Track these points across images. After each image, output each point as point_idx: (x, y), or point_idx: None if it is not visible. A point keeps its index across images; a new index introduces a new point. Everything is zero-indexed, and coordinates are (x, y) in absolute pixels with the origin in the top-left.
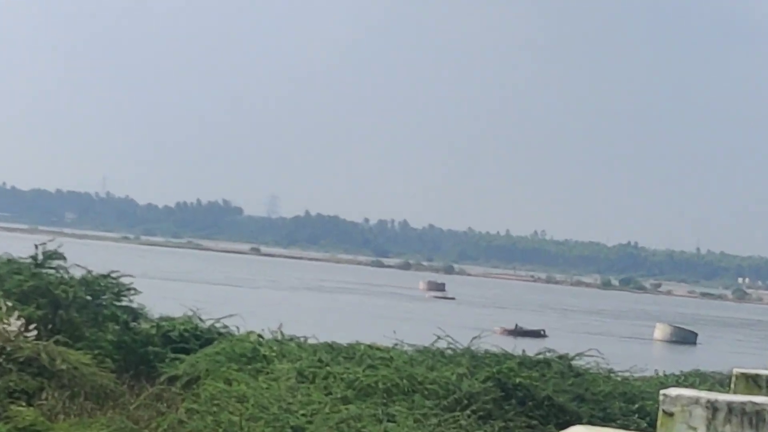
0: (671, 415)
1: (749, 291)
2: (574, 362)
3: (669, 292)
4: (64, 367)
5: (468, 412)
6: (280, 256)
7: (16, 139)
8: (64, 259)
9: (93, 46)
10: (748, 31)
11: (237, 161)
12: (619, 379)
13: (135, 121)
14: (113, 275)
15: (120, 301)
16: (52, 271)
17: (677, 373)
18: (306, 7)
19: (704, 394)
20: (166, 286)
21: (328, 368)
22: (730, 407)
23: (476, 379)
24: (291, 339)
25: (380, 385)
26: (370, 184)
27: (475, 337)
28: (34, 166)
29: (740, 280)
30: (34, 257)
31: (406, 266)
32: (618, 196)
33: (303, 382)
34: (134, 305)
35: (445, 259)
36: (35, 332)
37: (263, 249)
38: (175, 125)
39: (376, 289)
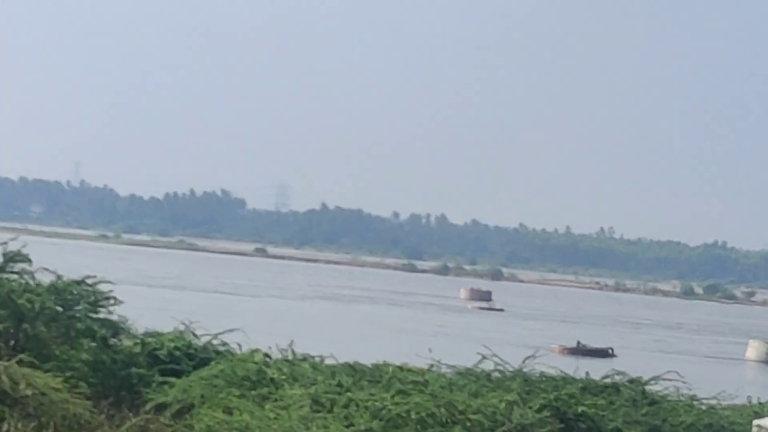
0: None
1: None
2: (648, 387)
3: (765, 303)
4: (29, 392)
5: None
6: (290, 258)
7: None
8: (29, 261)
9: (67, 16)
10: None
11: (239, 144)
12: (703, 407)
13: (114, 98)
14: (89, 281)
15: (97, 312)
16: (14, 277)
17: None
18: None
19: None
20: (153, 294)
21: (349, 394)
22: None
23: (530, 407)
24: (304, 359)
25: (413, 415)
26: (400, 171)
27: (528, 357)
28: None
29: None
30: None
31: (444, 270)
32: (702, 187)
33: (319, 411)
34: (114, 318)
35: (491, 261)
36: None
37: (270, 249)
38: (162, 101)
39: (407, 298)
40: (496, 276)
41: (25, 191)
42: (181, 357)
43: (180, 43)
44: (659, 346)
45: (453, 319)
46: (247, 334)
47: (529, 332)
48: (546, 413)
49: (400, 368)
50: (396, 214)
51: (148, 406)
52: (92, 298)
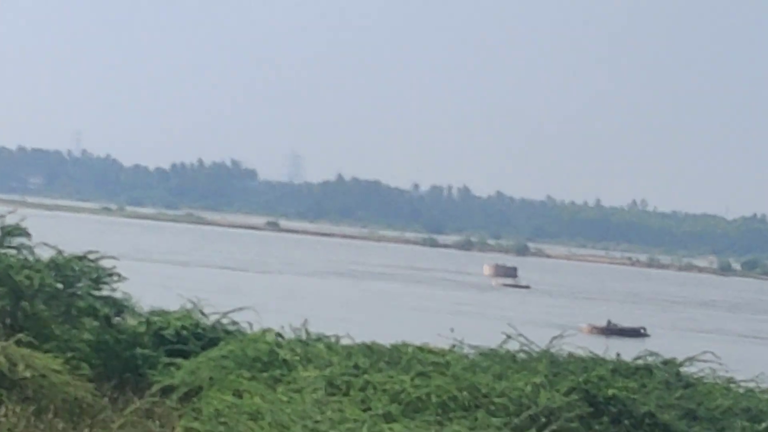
0: None
1: None
2: (683, 369)
3: None
4: (28, 374)
5: None
6: (304, 232)
7: None
8: (28, 235)
9: None
10: None
11: (249, 112)
12: (741, 391)
13: (117, 62)
14: (91, 257)
15: (99, 290)
16: (12, 252)
17: None
18: None
19: None
20: (159, 270)
21: (366, 376)
22: None
23: (557, 390)
24: (318, 339)
25: (433, 399)
26: (421, 141)
27: (555, 337)
28: None
29: None
30: None
31: (466, 245)
32: (740, 158)
33: (334, 395)
34: (118, 295)
35: (517, 236)
36: None
37: (283, 223)
38: (168, 66)
39: (427, 274)
40: (522, 251)
41: (23, 161)
42: (188, 337)
43: (189, 3)
44: (695, 325)
45: (476, 296)
46: (258, 313)
47: (556, 310)
48: (574, 396)
49: (420, 349)
50: (416, 186)
51: (153, 389)
52: (94, 275)
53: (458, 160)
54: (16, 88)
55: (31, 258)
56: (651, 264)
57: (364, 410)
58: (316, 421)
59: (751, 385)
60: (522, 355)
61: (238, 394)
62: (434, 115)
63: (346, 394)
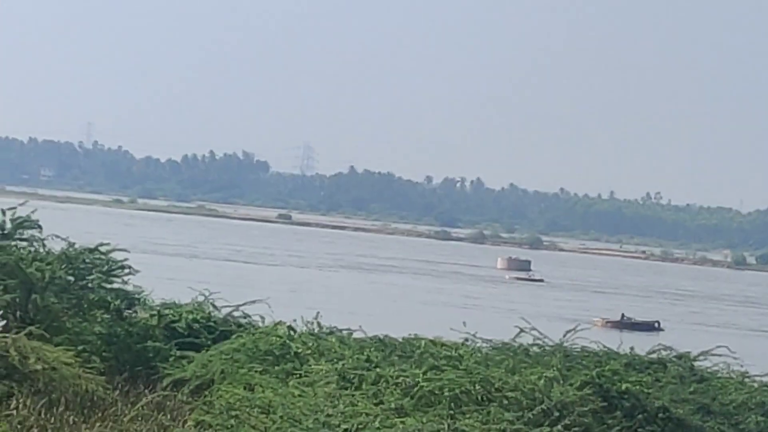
0: None
1: None
2: (697, 363)
3: None
4: (39, 367)
5: (559, 427)
6: (316, 224)
7: None
8: (39, 228)
9: None
10: None
11: (261, 103)
12: (755, 385)
13: (128, 54)
14: (102, 249)
15: (110, 282)
16: (23, 244)
17: None
18: None
19: None
20: (171, 263)
21: (378, 370)
22: None
23: (570, 384)
24: (331, 332)
25: (446, 393)
26: (434, 133)
27: (569, 331)
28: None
29: None
30: (1, 226)
31: (479, 238)
32: (755, 150)
33: (346, 388)
34: (129, 288)
35: (530, 229)
36: (3, 322)
37: (295, 216)
38: (180, 58)
39: (440, 267)
40: (536, 244)
41: (34, 153)
42: (200, 330)
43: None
44: (709, 319)
45: (489, 290)
46: (270, 306)
47: (569, 304)
48: (588, 391)
49: (433, 342)
50: (429, 179)
51: (165, 382)
52: (106, 267)
53: (471, 153)
54: (27, 80)
55: (42, 250)
56: (665, 257)
57: (376, 404)
58: (328, 415)
59: (766, 380)
60: (535, 349)
61: (249, 388)
62: (447, 108)
63: (358, 388)
